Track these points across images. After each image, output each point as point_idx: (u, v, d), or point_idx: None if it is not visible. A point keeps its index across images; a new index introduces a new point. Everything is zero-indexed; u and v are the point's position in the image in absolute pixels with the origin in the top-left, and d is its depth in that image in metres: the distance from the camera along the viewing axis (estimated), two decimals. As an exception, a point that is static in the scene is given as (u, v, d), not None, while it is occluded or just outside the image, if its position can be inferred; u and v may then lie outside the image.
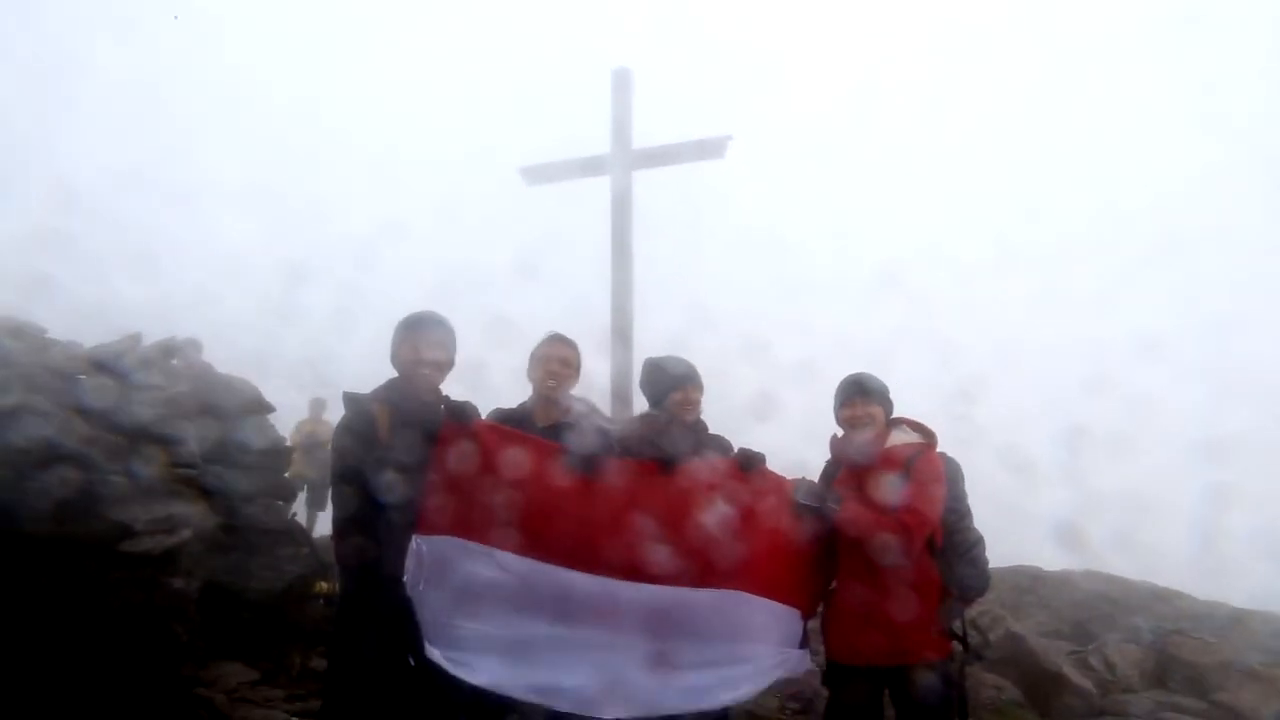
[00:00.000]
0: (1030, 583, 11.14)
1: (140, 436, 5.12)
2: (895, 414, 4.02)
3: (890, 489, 3.68)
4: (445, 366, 3.94)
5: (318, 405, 11.92)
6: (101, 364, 5.44)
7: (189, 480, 5.42)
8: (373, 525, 3.50)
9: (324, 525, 9.53)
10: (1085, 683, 7.37)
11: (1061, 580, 11.26)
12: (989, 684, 7.00)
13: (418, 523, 3.54)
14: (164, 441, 5.26)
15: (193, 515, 5.12)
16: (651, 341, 4.59)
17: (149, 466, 4.99)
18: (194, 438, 5.57)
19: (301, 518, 9.61)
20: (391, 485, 3.52)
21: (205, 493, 5.69)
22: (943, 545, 3.76)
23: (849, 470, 3.94)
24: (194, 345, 7.62)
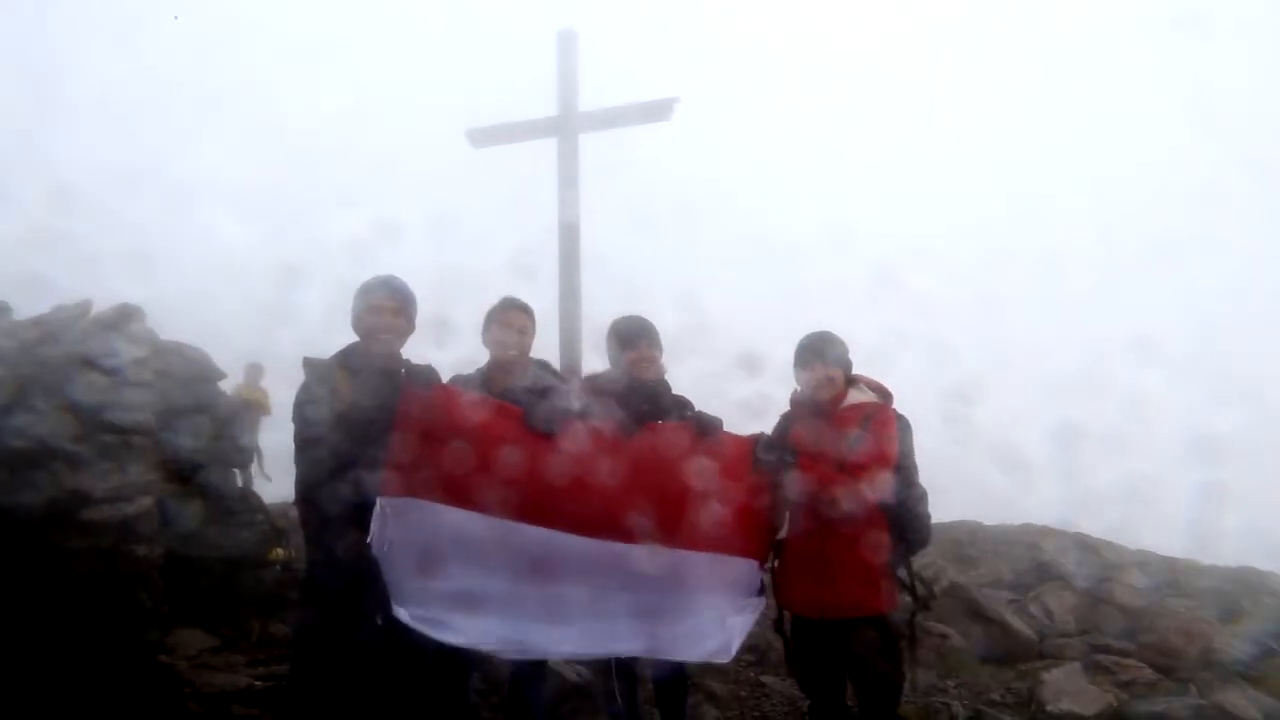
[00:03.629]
0: (970, 536, 11.53)
1: (95, 406, 5.06)
2: (854, 372, 4.13)
3: (848, 450, 3.80)
4: (405, 330, 3.97)
5: (254, 371, 11.57)
6: (55, 335, 5.33)
7: (145, 448, 5.37)
8: (336, 489, 3.54)
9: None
10: (1025, 629, 7.71)
11: (999, 534, 11.68)
12: (935, 633, 7.28)
13: (381, 484, 3.59)
14: (117, 409, 5.19)
15: (150, 483, 5.08)
16: (615, 309, 4.62)
17: (105, 436, 4.94)
18: (147, 406, 5.51)
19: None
20: (352, 449, 3.56)
21: (160, 461, 5.65)
22: (892, 500, 3.90)
23: (805, 425, 4.04)
24: (138, 312, 7.46)
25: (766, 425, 4.24)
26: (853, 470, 3.73)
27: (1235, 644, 7.58)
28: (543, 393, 4.03)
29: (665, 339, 4.39)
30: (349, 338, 3.94)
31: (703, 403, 4.33)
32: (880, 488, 3.70)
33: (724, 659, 4.01)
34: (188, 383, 6.65)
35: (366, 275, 3.96)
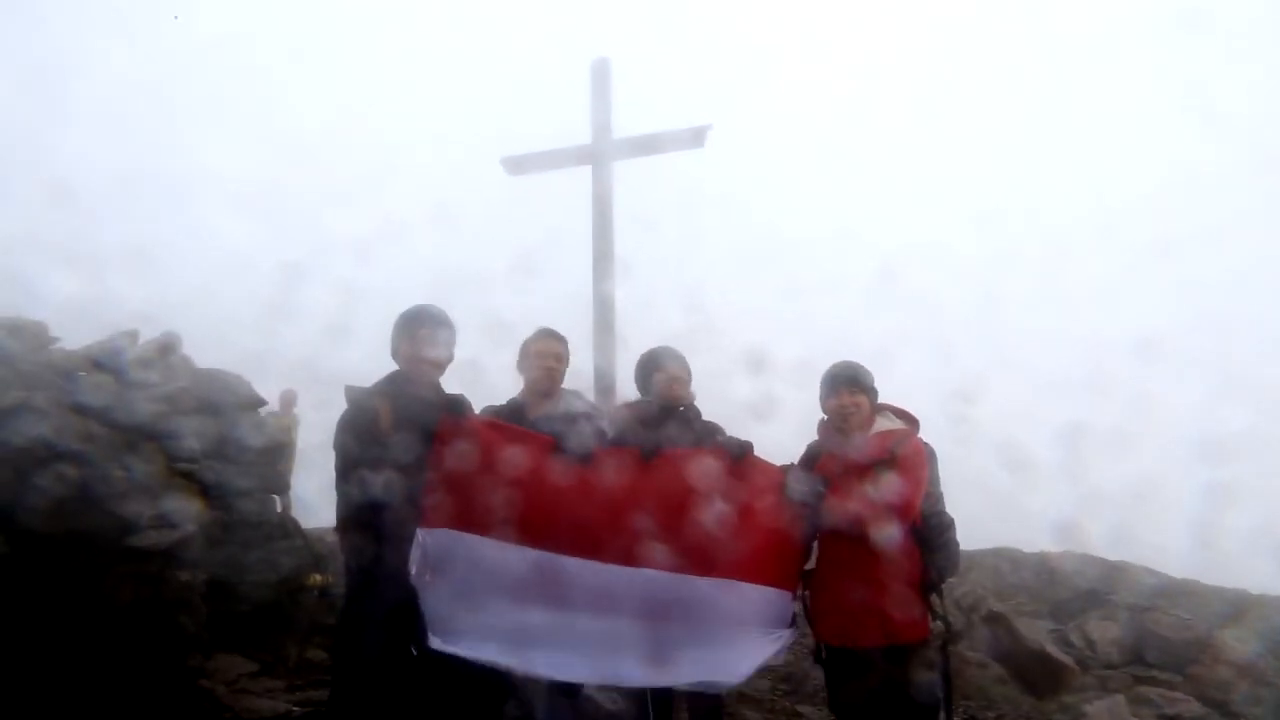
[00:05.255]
0: (1010, 565, 11.34)
1: (139, 434, 5.18)
2: (879, 400, 4.13)
3: (877, 478, 3.78)
4: (445, 361, 4.02)
5: (288, 398, 11.73)
6: (100, 362, 5.48)
7: (188, 476, 5.49)
8: (376, 518, 3.59)
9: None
10: (1066, 659, 7.56)
11: (1040, 561, 11.47)
12: (973, 663, 7.17)
13: (420, 516, 3.63)
14: (162, 438, 5.32)
15: (192, 510, 5.19)
16: (645, 338, 4.67)
17: (148, 463, 5.05)
18: (192, 434, 5.63)
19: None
20: (393, 479, 3.61)
21: (203, 488, 5.76)
22: (920, 529, 3.87)
23: (832, 455, 4.03)
24: (177, 341, 7.62)
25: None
26: (885, 501, 3.71)
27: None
28: (576, 421, 4.06)
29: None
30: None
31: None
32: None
33: (731, 683, 3.98)
34: (229, 411, 6.78)
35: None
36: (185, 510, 5.11)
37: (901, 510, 3.71)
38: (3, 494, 4.42)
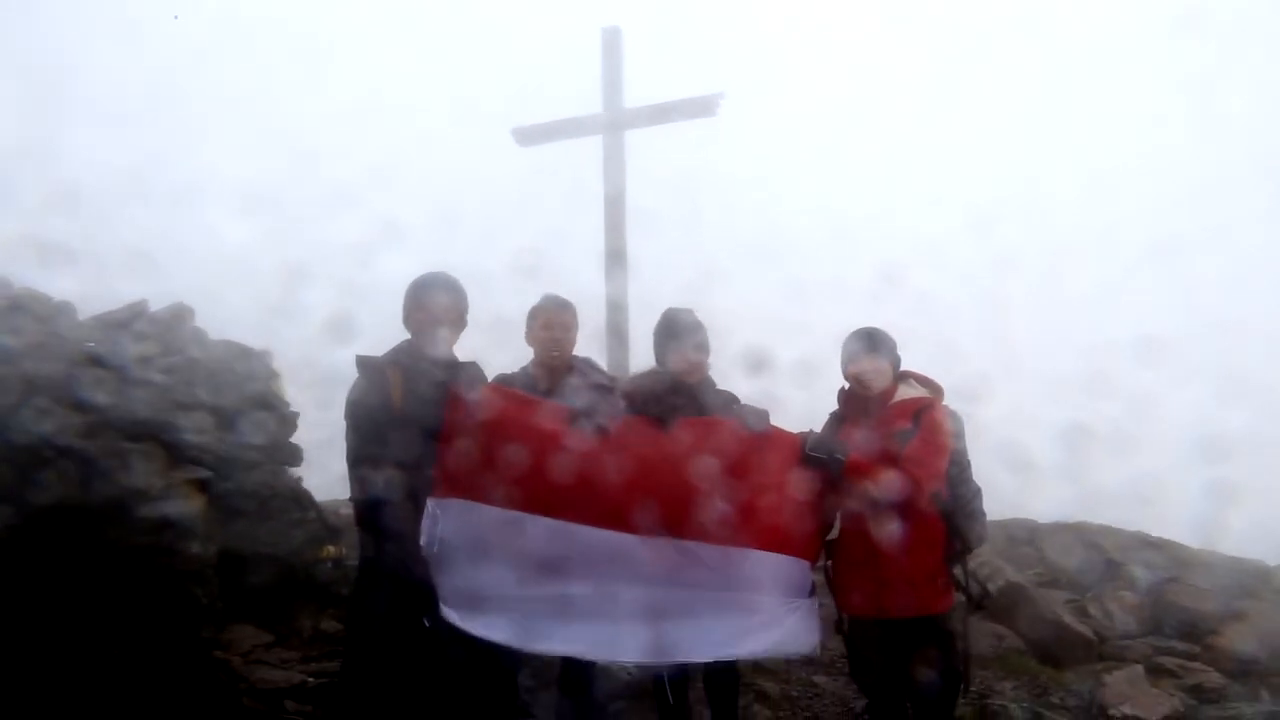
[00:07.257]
0: (1027, 534, 11.24)
1: (154, 405, 5.14)
2: (902, 368, 4.04)
3: (896, 447, 3.70)
4: (457, 328, 3.96)
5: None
6: (109, 336, 5.43)
7: (197, 448, 5.45)
8: (388, 489, 3.54)
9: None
10: (1084, 630, 7.49)
11: (1056, 531, 11.37)
12: (991, 634, 7.12)
13: (432, 486, 3.59)
14: (169, 410, 5.28)
15: (206, 481, 5.17)
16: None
17: (163, 433, 5.01)
18: (201, 406, 5.59)
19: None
20: (404, 449, 3.56)
21: (212, 461, 5.73)
22: (947, 497, 3.79)
23: (855, 422, 3.96)
24: (189, 312, 7.57)
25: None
26: (905, 467, 3.63)
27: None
28: (589, 390, 4.00)
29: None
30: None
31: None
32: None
33: (806, 650, 3.93)
34: (243, 381, 6.74)
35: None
36: (197, 481, 5.08)
37: (923, 477, 3.62)
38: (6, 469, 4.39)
